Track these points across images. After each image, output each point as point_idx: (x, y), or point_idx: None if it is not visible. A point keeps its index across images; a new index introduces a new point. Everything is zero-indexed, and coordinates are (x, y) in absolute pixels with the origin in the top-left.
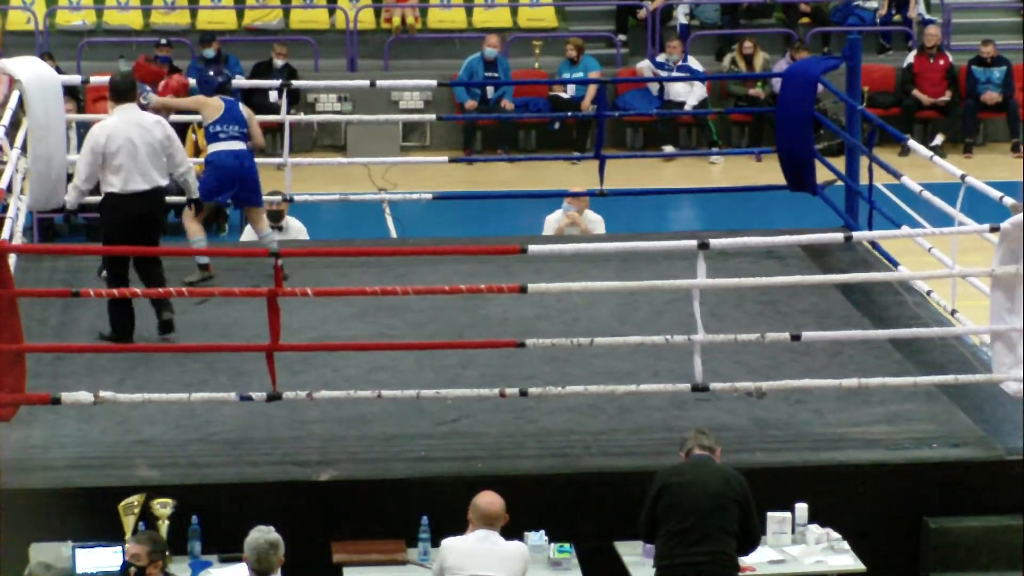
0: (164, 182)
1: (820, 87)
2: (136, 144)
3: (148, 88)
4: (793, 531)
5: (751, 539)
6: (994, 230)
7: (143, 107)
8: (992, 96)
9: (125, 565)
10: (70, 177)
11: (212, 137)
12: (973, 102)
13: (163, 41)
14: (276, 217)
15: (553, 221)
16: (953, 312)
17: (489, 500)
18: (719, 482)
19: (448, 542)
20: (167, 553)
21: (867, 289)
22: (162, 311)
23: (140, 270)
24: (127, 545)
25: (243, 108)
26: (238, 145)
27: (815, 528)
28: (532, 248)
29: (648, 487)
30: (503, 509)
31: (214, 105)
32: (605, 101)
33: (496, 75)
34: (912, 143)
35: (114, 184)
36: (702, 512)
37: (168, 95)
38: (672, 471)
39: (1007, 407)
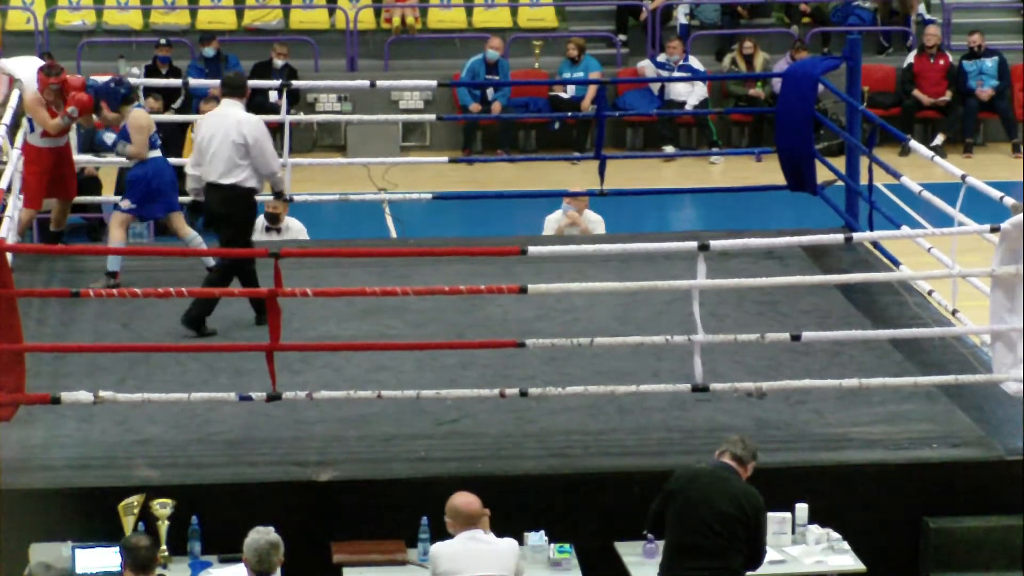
0: (227, 181)
1: (820, 87)
2: (215, 139)
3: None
4: (793, 531)
5: (755, 558)
6: (994, 230)
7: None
8: (985, 91)
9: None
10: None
11: (152, 144)
12: (974, 102)
13: (163, 41)
14: (275, 218)
15: (553, 221)
16: (954, 312)
17: (466, 500)
18: (730, 502)
19: (436, 548)
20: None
21: (867, 289)
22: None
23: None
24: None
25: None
26: (161, 153)
27: (815, 528)
28: (532, 249)
29: (659, 484)
30: (481, 505)
31: (148, 116)
32: (605, 101)
33: (497, 78)
34: (912, 143)
35: (202, 173)
36: (708, 529)
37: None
38: (688, 477)
39: (1007, 407)
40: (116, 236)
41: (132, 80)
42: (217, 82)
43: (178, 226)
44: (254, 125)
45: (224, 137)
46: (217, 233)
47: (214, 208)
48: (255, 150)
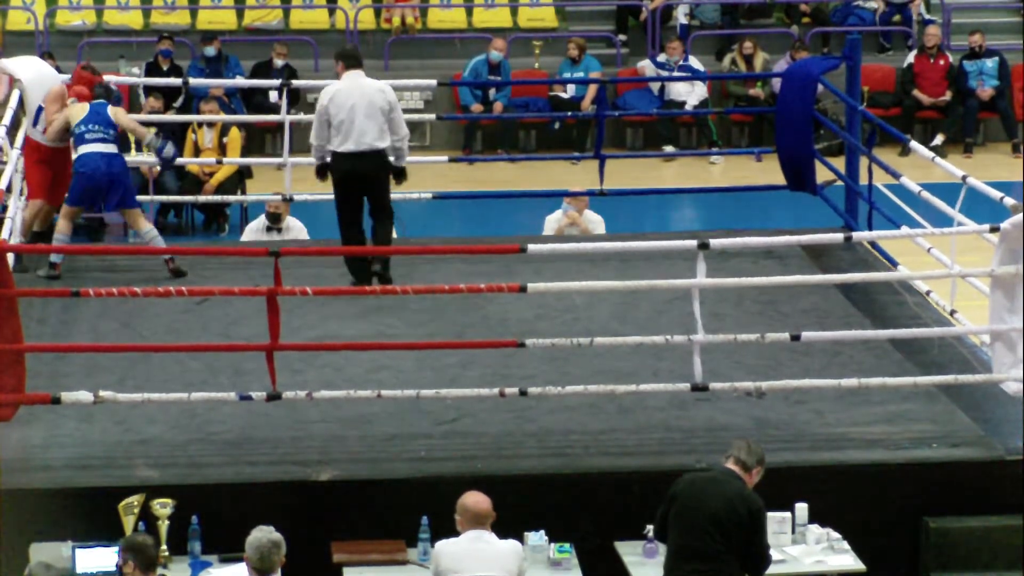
0: (381, 145)
1: (820, 87)
2: (358, 108)
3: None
4: (793, 531)
5: (755, 564)
6: (994, 230)
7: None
8: (986, 91)
9: (118, 571)
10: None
11: (79, 139)
12: (975, 103)
13: (164, 35)
14: (276, 218)
15: (553, 221)
16: (953, 312)
17: (476, 499)
18: (724, 505)
19: (441, 546)
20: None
21: (867, 289)
22: (372, 263)
23: (374, 215)
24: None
25: (112, 110)
26: (106, 147)
27: (815, 528)
28: (532, 248)
29: (659, 484)
30: (491, 507)
31: (79, 107)
32: (605, 101)
33: (500, 78)
34: (912, 143)
35: (334, 143)
36: (702, 531)
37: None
38: (689, 481)
39: (1007, 407)
40: (60, 227)
41: (131, 80)
42: (219, 82)
43: (131, 221)
44: (391, 91)
45: (370, 105)
46: (359, 195)
47: (368, 173)
48: (395, 114)
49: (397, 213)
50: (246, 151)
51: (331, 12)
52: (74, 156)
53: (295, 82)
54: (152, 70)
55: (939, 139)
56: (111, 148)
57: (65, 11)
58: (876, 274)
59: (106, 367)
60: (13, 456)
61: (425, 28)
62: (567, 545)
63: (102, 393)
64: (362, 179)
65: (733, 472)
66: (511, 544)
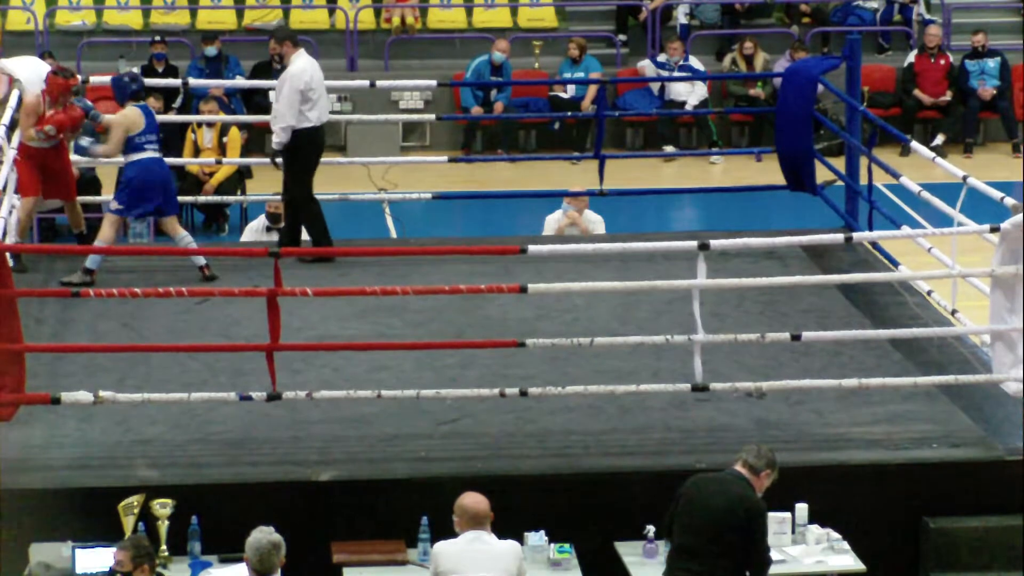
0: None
1: (820, 87)
2: (322, 82)
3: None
4: (793, 531)
5: (756, 568)
6: (994, 230)
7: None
8: (987, 90)
9: (111, 572)
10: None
11: (136, 147)
12: (976, 102)
13: (157, 38)
14: (276, 218)
15: (553, 221)
16: (953, 312)
17: (475, 500)
18: (723, 506)
19: (439, 547)
20: (156, 556)
21: (867, 289)
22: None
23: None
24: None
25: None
26: (158, 153)
27: (815, 528)
28: (532, 248)
29: (659, 484)
30: (489, 507)
31: (137, 115)
32: (605, 101)
33: (501, 79)
34: (913, 144)
35: (310, 119)
36: (700, 530)
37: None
38: (695, 481)
39: (1007, 407)
40: (106, 235)
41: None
42: (219, 82)
43: (170, 227)
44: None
45: (322, 78)
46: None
47: (322, 145)
48: None
49: (396, 214)
50: (246, 151)
51: (331, 12)
52: (126, 161)
53: None
54: (148, 73)
55: (939, 139)
56: (161, 154)
57: (65, 11)
58: (877, 274)
59: (106, 367)
60: (13, 456)
61: (425, 28)
62: (567, 545)
63: (102, 393)
64: (322, 147)
65: (740, 475)
66: (510, 544)
